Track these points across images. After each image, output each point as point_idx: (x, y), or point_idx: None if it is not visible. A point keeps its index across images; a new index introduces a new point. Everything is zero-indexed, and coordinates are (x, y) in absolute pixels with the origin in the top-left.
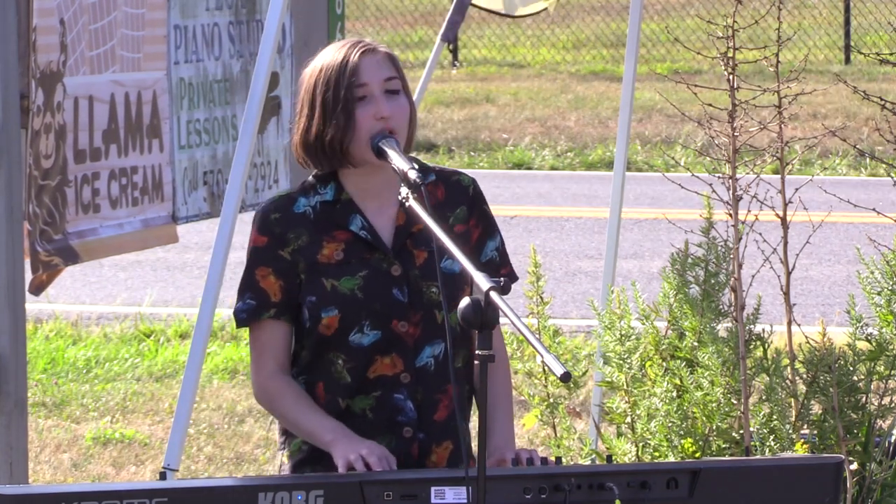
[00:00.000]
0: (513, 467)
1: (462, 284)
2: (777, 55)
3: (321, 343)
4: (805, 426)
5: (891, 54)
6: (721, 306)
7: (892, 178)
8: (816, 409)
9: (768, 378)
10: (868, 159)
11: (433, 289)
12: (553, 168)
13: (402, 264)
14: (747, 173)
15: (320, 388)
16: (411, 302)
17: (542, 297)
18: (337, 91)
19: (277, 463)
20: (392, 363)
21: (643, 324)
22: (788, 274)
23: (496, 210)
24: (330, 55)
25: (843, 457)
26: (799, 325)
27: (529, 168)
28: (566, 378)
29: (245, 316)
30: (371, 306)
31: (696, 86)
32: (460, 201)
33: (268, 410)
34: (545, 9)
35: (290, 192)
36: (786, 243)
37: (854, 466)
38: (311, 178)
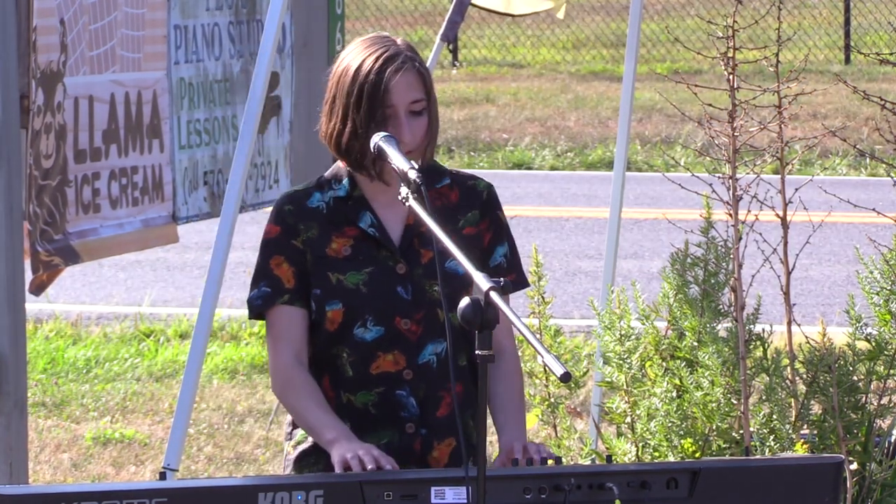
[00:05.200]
0: (513, 467)
1: (465, 285)
2: (777, 55)
3: (326, 338)
4: (805, 426)
5: (891, 54)
6: (721, 306)
7: (892, 178)
8: (816, 409)
9: (768, 378)
10: (868, 159)
11: (435, 287)
12: (553, 168)
13: (407, 263)
14: (747, 173)
15: (326, 382)
16: (415, 300)
17: (543, 297)
18: (370, 107)
19: (277, 462)
20: (395, 360)
21: (643, 324)
22: (788, 274)
23: None
24: (366, 61)
25: (843, 457)
26: (799, 325)
27: (529, 168)
28: (566, 378)
29: (260, 302)
30: (374, 302)
31: (696, 86)
32: (473, 205)
33: (279, 399)
34: (547, 10)
35: (306, 186)
36: (786, 243)
37: (854, 466)
38: (326, 174)
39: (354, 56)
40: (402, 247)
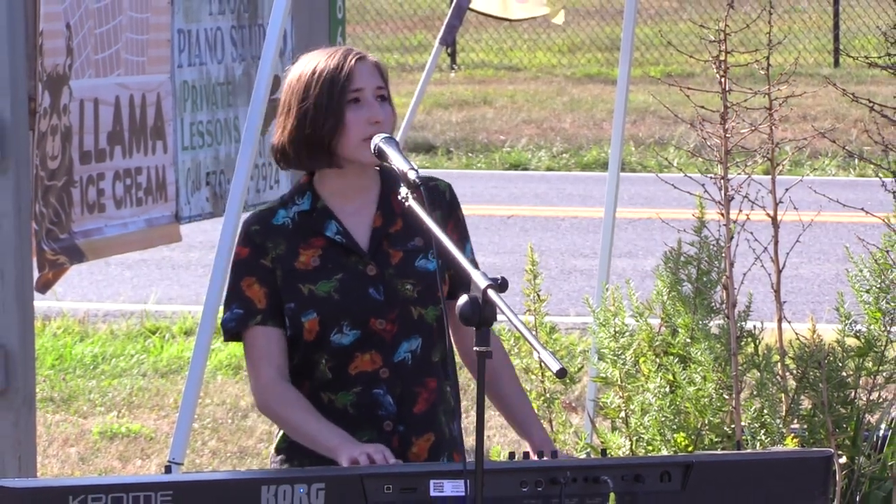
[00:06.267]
0: (510, 461)
1: (436, 281)
2: (768, 58)
3: (305, 347)
4: (795, 421)
5: (879, 57)
6: (713, 304)
7: (880, 178)
8: (806, 403)
9: (759, 374)
10: (856, 160)
11: (407, 286)
12: (549, 169)
13: (377, 265)
14: (739, 174)
15: (306, 387)
16: (387, 300)
17: (538, 295)
18: (332, 93)
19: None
20: (371, 359)
21: (637, 321)
22: (779, 272)
23: (494, 210)
24: (322, 61)
25: (832, 451)
26: (789, 321)
27: (526, 169)
28: (562, 374)
29: (233, 324)
30: (349, 307)
31: (688, 88)
32: (438, 206)
33: (271, 418)
34: (544, 15)
35: (271, 205)
36: (776, 242)
37: (843, 460)
38: (287, 193)
39: (305, 64)
40: (370, 250)
